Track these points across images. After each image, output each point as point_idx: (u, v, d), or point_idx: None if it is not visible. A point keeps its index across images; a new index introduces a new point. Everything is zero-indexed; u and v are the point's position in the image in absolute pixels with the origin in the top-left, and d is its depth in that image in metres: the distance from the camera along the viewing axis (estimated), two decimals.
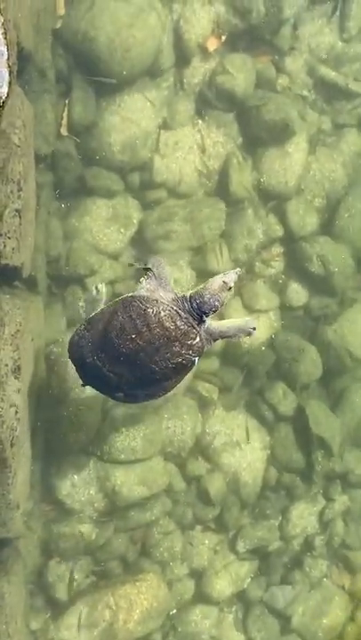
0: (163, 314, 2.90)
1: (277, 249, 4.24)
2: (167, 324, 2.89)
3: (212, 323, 3.02)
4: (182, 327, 2.91)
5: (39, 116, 3.79)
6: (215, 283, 2.95)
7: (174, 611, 4.17)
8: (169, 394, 3.14)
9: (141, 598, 4.02)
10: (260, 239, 4.19)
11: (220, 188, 4.15)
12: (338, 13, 4.27)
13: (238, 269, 3.02)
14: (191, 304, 2.94)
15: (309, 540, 4.34)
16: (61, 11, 3.90)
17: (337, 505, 4.36)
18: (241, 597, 4.28)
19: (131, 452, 3.97)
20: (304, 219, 4.20)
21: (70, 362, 3.14)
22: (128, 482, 3.96)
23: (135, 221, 4.06)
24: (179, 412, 4.07)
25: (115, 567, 4.05)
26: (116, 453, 3.95)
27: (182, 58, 4.09)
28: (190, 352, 2.94)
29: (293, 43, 4.23)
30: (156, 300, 2.93)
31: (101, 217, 4.00)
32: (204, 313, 2.93)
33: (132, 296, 2.97)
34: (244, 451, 4.17)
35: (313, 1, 4.22)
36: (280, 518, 4.30)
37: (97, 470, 3.97)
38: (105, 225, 4.00)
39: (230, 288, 2.96)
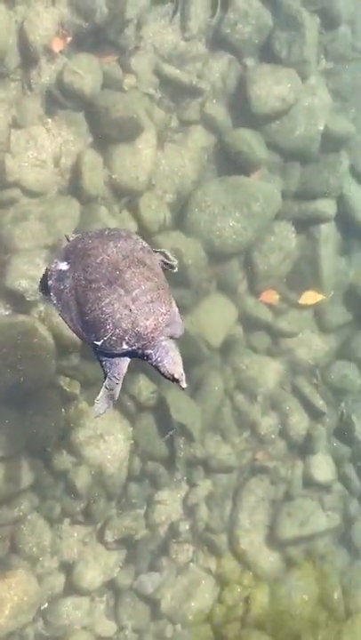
0: (161, 319, 2.60)
1: None
2: (150, 318, 2.57)
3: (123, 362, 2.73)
4: (149, 325, 2.58)
5: None
6: (176, 367, 2.63)
7: (46, 604, 4.21)
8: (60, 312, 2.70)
9: (12, 594, 4.06)
10: None
11: (74, 185, 4.21)
12: (178, 14, 4.39)
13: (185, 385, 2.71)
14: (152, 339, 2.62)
15: (175, 527, 4.41)
16: None
17: (200, 490, 4.46)
18: (111, 586, 4.34)
19: None
20: (157, 214, 4.30)
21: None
22: None
23: None
24: (42, 408, 4.11)
25: None
26: None
27: (28, 58, 4.13)
28: (113, 340, 2.60)
29: (138, 42, 4.33)
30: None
31: None
32: (145, 349, 2.62)
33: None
34: (108, 442, 4.24)
35: (155, 1, 4.32)
36: (145, 507, 4.38)
37: None
38: None
39: (173, 378, 2.64)
